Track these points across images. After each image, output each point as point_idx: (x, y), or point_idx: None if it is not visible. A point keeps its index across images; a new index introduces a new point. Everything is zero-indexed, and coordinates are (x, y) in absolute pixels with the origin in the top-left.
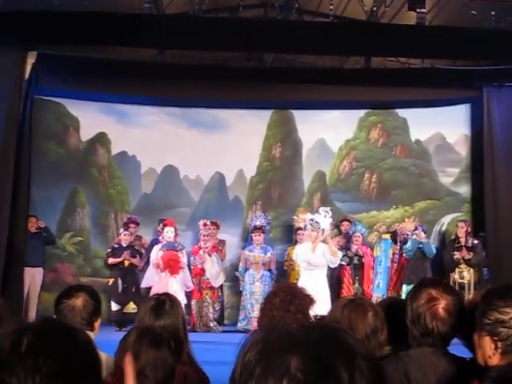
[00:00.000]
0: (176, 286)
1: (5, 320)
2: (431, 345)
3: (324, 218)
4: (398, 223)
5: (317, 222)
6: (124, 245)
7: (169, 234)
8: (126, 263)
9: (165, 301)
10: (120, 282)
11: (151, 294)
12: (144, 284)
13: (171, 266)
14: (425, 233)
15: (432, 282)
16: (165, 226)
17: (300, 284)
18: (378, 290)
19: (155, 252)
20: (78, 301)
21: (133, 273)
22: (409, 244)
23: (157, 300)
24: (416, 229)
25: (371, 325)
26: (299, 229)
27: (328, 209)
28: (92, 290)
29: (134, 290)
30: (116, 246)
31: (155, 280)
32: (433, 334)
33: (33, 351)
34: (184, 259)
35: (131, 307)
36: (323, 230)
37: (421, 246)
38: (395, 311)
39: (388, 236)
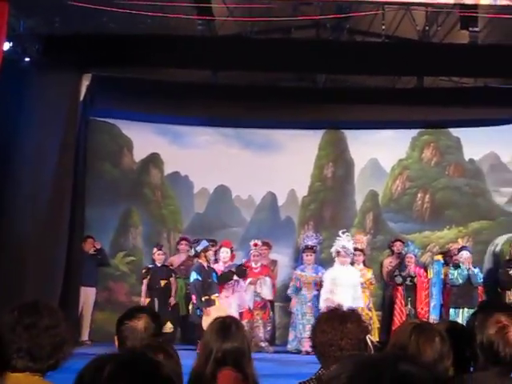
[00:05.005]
0: (231, 304)
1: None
2: (499, 370)
3: (348, 243)
4: (452, 243)
5: (348, 248)
6: (158, 264)
7: (224, 254)
8: (162, 283)
9: (231, 324)
10: (157, 301)
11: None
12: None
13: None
14: (470, 253)
15: (499, 307)
16: (221, 246)
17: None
18: (433, 313)
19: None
20: (140, 323)
21: (169, 293)
22: (455, 274)
23: (223, 323)
24: (462, 250)
25: (438, 350)
26: (356, 249)
27: (346, 231)
28: (153, 313)
29: (169, 309)
30: (151, 266)
31: None
32: (504, 360)
33: (114, 379)
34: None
35: (168, 327)
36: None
37: (468, 273)
38: (454, 336)
39: (440, 257)
